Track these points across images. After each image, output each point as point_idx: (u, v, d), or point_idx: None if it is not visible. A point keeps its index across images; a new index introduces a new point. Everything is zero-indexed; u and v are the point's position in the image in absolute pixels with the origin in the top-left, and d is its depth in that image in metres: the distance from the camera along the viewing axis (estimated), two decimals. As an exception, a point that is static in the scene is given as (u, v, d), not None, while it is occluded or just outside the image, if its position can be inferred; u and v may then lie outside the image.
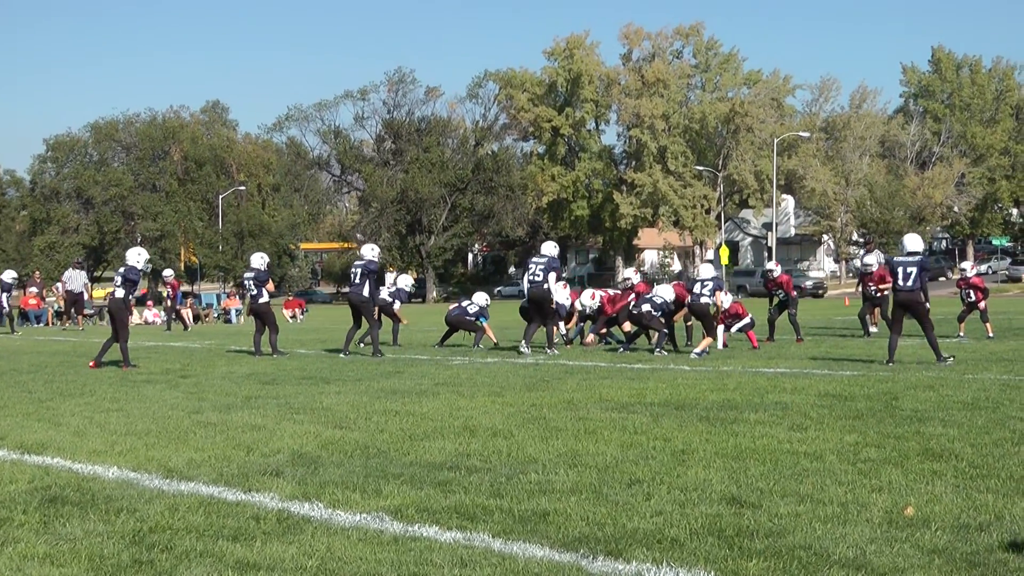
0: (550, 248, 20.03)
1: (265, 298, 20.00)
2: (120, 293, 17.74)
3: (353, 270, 20.34)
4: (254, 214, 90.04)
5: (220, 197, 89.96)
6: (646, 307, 19.78)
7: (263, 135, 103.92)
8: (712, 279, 19.25)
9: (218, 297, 56.15)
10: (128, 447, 8.86)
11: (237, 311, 47.90)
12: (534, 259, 19.86)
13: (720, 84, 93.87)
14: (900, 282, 15.98)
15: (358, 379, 14.69)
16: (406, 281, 24.55)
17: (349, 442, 8.89)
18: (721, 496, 6.51)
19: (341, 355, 19.65)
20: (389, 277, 25.10)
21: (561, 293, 20.79)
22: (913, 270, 15.93)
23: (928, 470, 7.24)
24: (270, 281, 20.23)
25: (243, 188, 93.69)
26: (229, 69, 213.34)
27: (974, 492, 6.54)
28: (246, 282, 20.43)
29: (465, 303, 22.79)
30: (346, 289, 20.06)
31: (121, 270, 17.94)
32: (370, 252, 20.52)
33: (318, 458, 8.15)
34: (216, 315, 48.91)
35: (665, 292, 20.32)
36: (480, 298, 22.69)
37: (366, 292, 19.76)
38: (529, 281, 19.63)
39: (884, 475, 7.07)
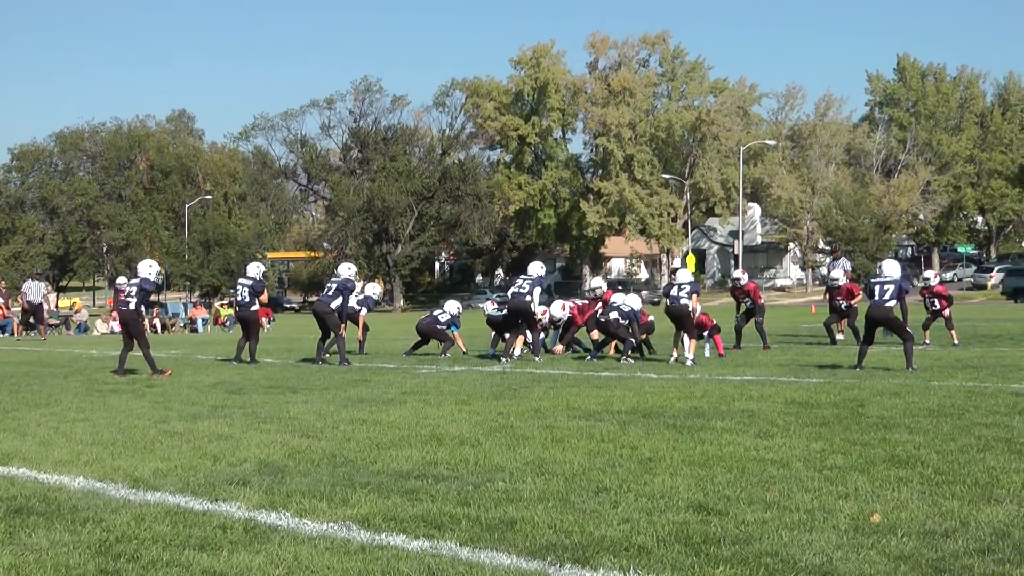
0: (538, 268, 20.61)
1: (255, 307, 20.42)
2: (133, 304, 17.93)
3: (329, 284, 20.69)
4: (220, 223, 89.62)
5: (186, 206, 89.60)
6: (613, 315, 19.84)
7: (229, 144, 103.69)
8: (689, 283, 19.33)
9: (184, 306, 55.85)
10: (94, 457, 8.80)
11: (203, 320, 47.68)
12: (522, 276, 20.54)
13: (686, 92, 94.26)
14: (875, 297, 16.07)
15: (325, 388, 14.65)
16: (374, 289, 24.55)
17: (316, 451, 8.86)
18: (688, 503, 6.52)
19: (316, 363, 19.70)
20: (357, 285, 25.02)
21: (538, 309, 20.79)
22: (889, 287, 16.04)
23: (894, 477, 7.28)
24: (265, 292, 20.46)
25: (209, 197, 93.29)
26: (195, 78, 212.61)
27: (940, 498, 6.58)
28: (239, 288, 20.62)
29: (437, 312, 22.76)
30: (314, 298, 20.44)
31: (135, 281, 18.14)
32: (347, 271, 20.83)
33: (285, 467, 8.12)
34: (182, 324, 48.64)
35: (632, 300, 20.39)
36: (452, 307, 22.66)
37: (334, 305, 19.98)
38: (513, 293, 20.14)
39: (850, 482, 7.10)
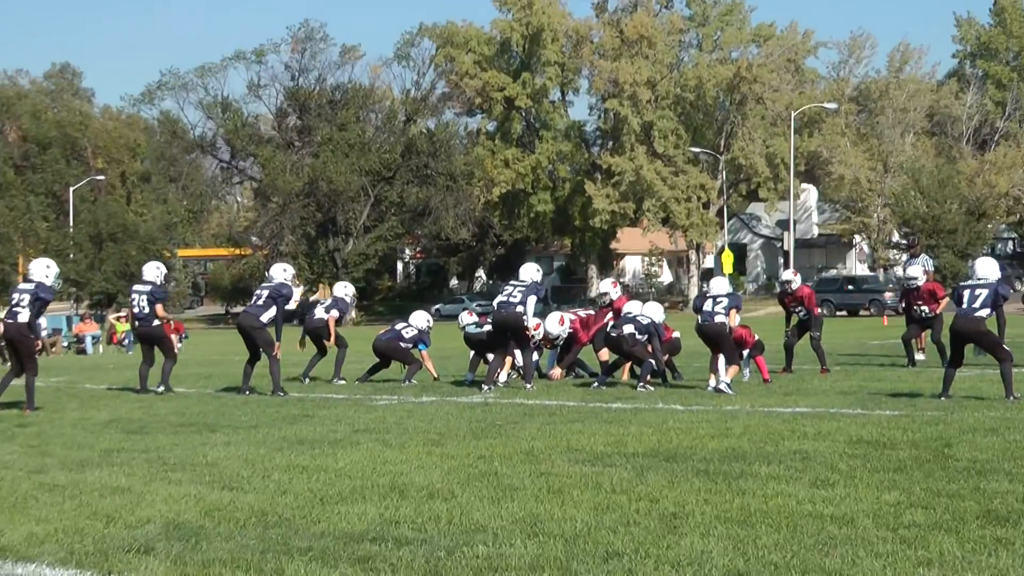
0: (533, 272, 20.63)
1: (156, 320, 20.43)
2: (25, 316, 17.67)
3: (257, 291, 20.75)
4: (116, 211, 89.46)
5: (71, 190, 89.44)
6: (628, 329, 19.81)
7: (128, 109, 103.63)
8: (727, 295, 19.31)
9: (68, 320, 55.79)
10: (-50, 517, 8.77)
11: (94, 338, 47.61)
12: (513, 282, 20.48)
13: (721, 42, 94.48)
14: (963, 305, 16.04)
15: (253, 426, 14.63)
16: (346, 290, 24.29)
17: (241, 507, 8.85)
18: (724, 572, 6.53)
19: (242, 393, 19.69)
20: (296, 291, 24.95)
21: (532, 321, 20.74)
22: (982, 292, 15.97)
23: (990, 537, 7.29)
24: (166, 299, 20.58)
25: (102, 178, 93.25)
26: (82, 23, 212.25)
27: (1049, 564, 6.60)
28: (135, 297, 20.60)
29: (400, 326, 22.71)
30: (239, 309, 20.62)
31: (27, 287, 17.98)
32: (282, 274, 20.85)
33: (201, 529, 8.11)
34: (66, 344, 48.59)
35: (653, 310, 20.39)
36: (419, 319, 22.62)
37: (265, 317, 20.01)
38: (500, 303, 20.02)
39: (934, 544, 7.11)
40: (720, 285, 19.99)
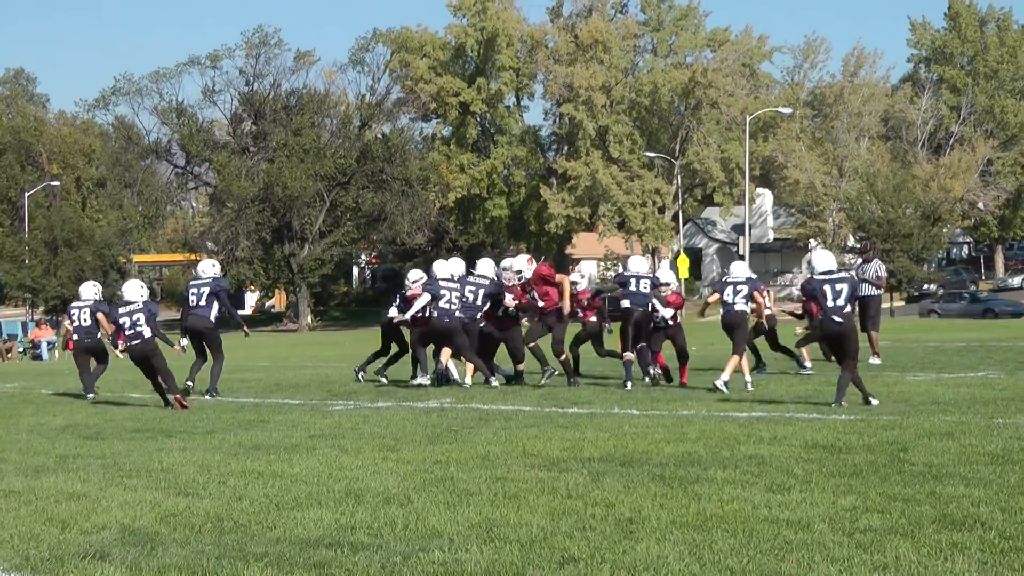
0: (489, 267, 21.28)
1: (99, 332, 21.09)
2: None
3: (194, 291, 20.69)
4: (71, 217, 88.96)
5: (26, 195, 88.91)
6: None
7: (82, 114, 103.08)
8: (748, 280, 19.41)
9: (24, 326, 55.44)
10: (-98, 525, 8.71)
11: (49, 344, 47.36)
12: (471, 279, 20.91)
13: (676, 46, 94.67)
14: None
15: (209, 431, 14.59)
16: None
17: (197, 513, 8.82)
18: (680, 577, 6.53)
19: (209, 395, 19.71)
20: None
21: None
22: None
23: (947, 542, 7.33)
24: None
25: (57, 183, 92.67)
26: (37, 27, 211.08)
27: (1005, 570, 6.63)
28: (76, 312, 21.37)
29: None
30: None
31: None
32: (212, 268, 21.09)
33: (156, 535, 8.08)
34: (21, 349, 48.31)
35: (665, 274, 21.01)
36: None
37: (212, 316, 20.36)
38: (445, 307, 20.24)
39: (890, 549, 7.15)
40: (739, 269, 20.05)
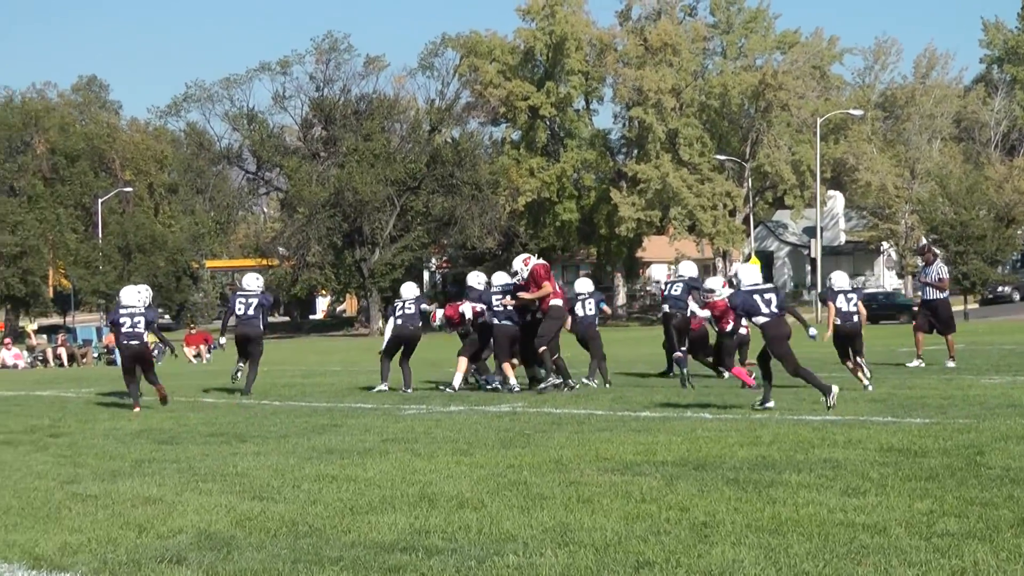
0: (477, 279, 23.15)
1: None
2: None
3: (241, 301, 22.54)
4: (144, 223, 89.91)
5: (99, 201, 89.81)
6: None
7: (155, 121, 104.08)
8: (854, 290, 20.19)
9: (99, 331, 55.95)
10: (-18, 529, 8.81)
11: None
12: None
13: (746, 49, 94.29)
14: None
15: (283, 436, 14.65)
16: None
17: (272, 517, 8.86)
18: (756, 581, 6.51)
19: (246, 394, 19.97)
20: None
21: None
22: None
23: (1024, 545, 7.26)
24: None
25: (130, 190, 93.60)
26: (109, 35, 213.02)
27: (1083, 572, 6.56)
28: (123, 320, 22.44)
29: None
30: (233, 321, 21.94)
31: None
32: (256, 282, 23.17)
33: (232, 539, 8.12)
34: (96, 354, 48.77)
35: (687, 268, 21.42)
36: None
37: (261, 325, 22.55)
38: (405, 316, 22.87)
39: (968, 553, 7.08)
40: (842, 279, 20.45)
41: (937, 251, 24.74)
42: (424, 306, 23.28)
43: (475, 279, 23.67)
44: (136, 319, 19.72)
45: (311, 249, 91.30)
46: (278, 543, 7.94)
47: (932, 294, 24.24)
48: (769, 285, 16.98)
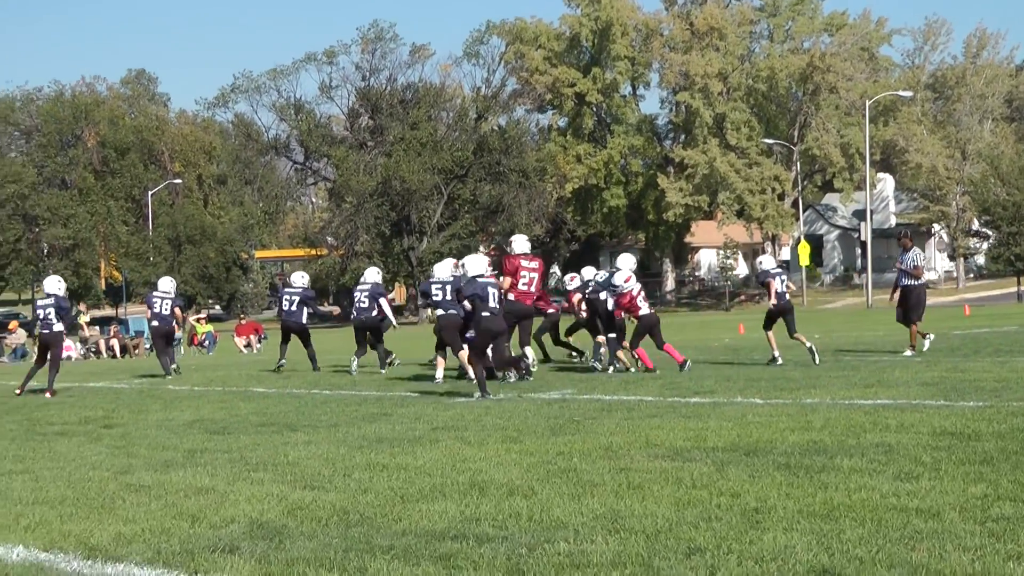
0: (373, 274, 26.02)
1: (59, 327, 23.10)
2: (58, 326, 22.28)
3: (287, 298, 25.96)
4: (194, 214, 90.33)
5: (149, 194, 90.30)
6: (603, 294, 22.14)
7: (203, 112, 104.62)
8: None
9: (150, 323, 56.25)
10: (37, 520, 8.87)
11: (175, 340, 48.00)
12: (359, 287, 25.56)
13: (793, 32, 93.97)
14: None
15: (333, 425, 14.68)
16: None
17: (323, 506, 8.89)
18: (808, 567, 6.47)
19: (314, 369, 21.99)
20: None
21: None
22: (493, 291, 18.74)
23: (1079, 528, 7.20)
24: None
25: (179, 181, 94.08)
26: (157, 28, 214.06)
27: None
28: (155, 302, 27.34)
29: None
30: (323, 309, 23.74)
31: (48, 301, 22.27)
32: (301, 280, 26.55)
33: (284, 528, 8.15)
34: (148, 346, 49.00)
35: (625, 261, 22.31)
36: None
37: (303, 319, 26.02)
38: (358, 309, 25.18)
39: None
40: (770, 262, 23.51)
41: (912, 239, 24.77)
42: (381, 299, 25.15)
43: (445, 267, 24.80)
44: (48, 310, 21.94)
45: (359, 238, 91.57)
46: (329, 532, 7.96)
47: (907, 280, 24.16)
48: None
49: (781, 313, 22.83)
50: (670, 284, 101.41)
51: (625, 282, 21.95)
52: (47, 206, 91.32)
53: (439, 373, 21.64)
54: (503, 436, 12.72)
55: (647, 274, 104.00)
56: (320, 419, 15.51)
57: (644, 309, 21.96)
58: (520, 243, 22.51)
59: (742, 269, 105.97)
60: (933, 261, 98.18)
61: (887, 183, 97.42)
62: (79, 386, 25.02)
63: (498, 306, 18.84)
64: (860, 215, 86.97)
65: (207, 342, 48.53)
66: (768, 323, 22.91)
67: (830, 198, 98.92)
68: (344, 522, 8.29)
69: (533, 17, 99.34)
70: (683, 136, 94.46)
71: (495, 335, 19.03)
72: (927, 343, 23.95)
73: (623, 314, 21.94)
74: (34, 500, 9.78)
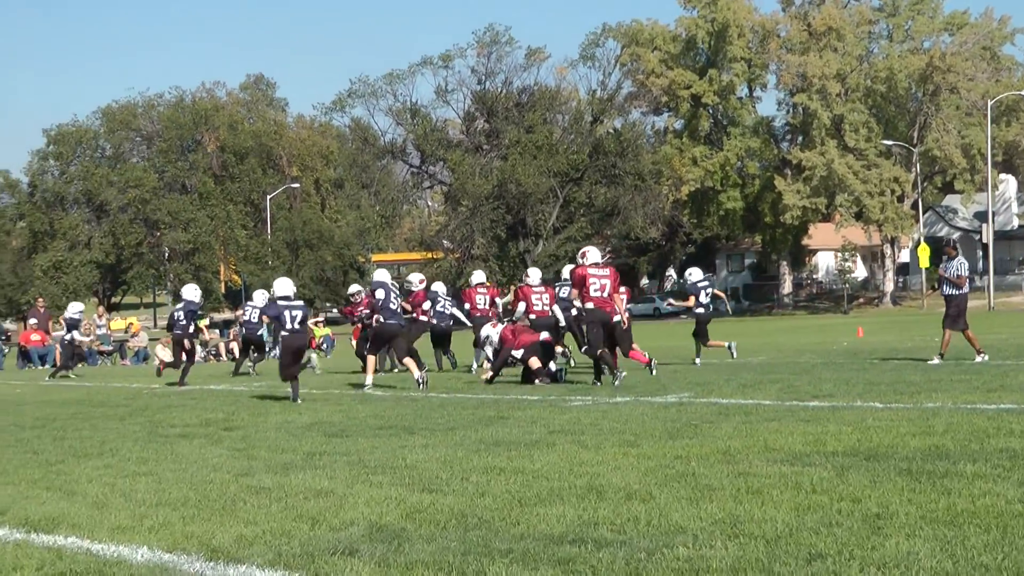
0: (265, 296, 28.32)
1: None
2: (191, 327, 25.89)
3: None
4: (311, 218, 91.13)
5: (268, 198, 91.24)
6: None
7: (320, 117, 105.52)
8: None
9: (268, 327, 56.81)
10: (161, 521, 8.99)
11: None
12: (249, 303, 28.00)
13: (912, 31, 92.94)
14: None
15: (450, 428, 14.74)
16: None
17: (441, 509, 8.93)
18: (932, 574, 6.40)
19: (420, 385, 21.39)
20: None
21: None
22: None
23: None
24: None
25: (296, 185, 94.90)
26: (275, 34, 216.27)
27: None
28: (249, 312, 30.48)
29: None
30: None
31: (180, 306, 25.76)
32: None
33: (403, 531, 8.20)
34: (268, 349, 49.49)
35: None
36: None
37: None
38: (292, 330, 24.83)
39: None
40: (697, 275, 26.06)
41: (957, 248, 24.30)
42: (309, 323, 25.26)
43: (415, 278, 29.46)
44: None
45: (475, 241, 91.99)
46: (448, 535, 7.99)
47: (949, 289, 23.86)
48: (300, 302, 20.78)
49: (701, 324, 25.63)
50: (788, 287, 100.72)
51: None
52: (168, 210, 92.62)
53: (369, 380, 22.87)
54: (620, 440, 12.70)
55: (764, 277, 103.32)
56: (437, 422, 15.57)
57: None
58: (589, 256, 22.47)
59: (860, 272, 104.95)
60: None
61: (1009, 184, 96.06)
62: (200, 388, 25.36)
63: (298, 327, 20.61)
64: (982, 217, 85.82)
65: (324, 345, 48.87)
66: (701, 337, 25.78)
67: (951, 200, 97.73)
68: (462, 525, 8.32)
69: (649, 19, 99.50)
70: (800, 138, 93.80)
71: (294, 352, 20.81)
72: (980, 359, 23.53)
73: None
74: (157, 502, 9.92)
